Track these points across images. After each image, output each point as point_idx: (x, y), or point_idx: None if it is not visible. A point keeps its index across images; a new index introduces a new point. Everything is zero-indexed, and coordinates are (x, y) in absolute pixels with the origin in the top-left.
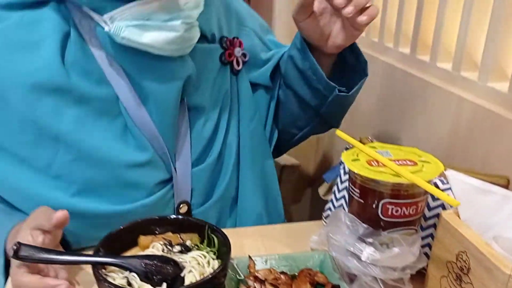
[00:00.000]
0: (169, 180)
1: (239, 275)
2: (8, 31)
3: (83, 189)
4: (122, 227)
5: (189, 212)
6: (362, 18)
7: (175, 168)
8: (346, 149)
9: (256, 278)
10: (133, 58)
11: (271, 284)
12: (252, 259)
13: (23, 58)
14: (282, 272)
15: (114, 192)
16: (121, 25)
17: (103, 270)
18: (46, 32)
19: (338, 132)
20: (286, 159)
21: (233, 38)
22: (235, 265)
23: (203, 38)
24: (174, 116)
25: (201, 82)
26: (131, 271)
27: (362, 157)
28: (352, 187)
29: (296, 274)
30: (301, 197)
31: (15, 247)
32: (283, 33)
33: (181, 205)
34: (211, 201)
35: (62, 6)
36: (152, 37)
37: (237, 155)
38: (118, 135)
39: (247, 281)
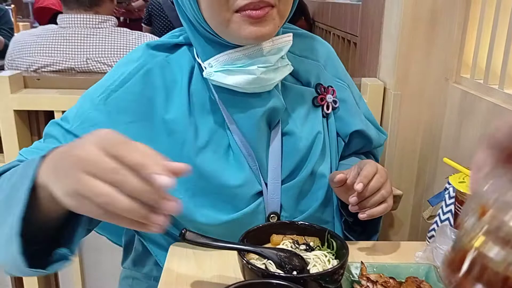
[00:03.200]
0: (261, 193)
1: (353, 277)
2: (153, 72)
3: (196, 195)
4: (260, 226)
5: None
6: (362, 215)
7: (265, 183)
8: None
9: (369, 279)
10: (225, 94)
11: (382, 285)
12: (364, 264)
13: (163, 95)
14: (391, 277)
15: (220, 201)
16: (211, 71)
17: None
18: (179, 71)
19: (446, 159)
20: None
21: (328, 86)
22: (350, 268)
23: (299, 82)
24: (264, 139)
25: (292, 113)
26: (268, 259)
27: (467, 180)
28: (459, 205)
29: (403, 281)
30: (400, 223)
31: (183, 231)
32: (388, 74)
33: (271, 215)
34: (300, 217)
35: (191, 48)
36: (234, 80)
37: (329, 186)
38: (223, 153)
39: (360, 281)
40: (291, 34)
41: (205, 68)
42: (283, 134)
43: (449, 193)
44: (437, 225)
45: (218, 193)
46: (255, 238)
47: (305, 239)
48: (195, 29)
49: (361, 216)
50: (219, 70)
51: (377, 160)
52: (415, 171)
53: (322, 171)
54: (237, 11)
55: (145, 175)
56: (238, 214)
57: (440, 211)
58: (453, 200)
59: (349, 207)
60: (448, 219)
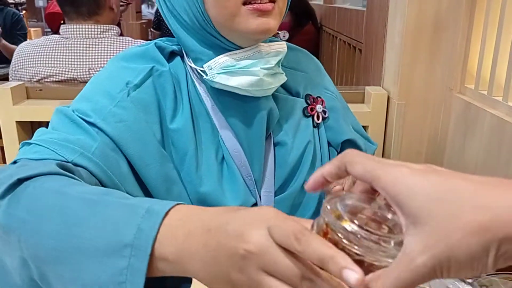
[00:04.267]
0: (255, 205)
1: None
2: (165, 76)
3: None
4: None
5: None
6: None
7: (259, 195)
8: None
9: None
10: (225, 98)
11: None
12: None
13: (172, 103)
14: None
15: None
16: (214, 73)
17: None
18: (182, 81)
19: None
20: None
21: (317, 96)
22: None
23: (289, 93)
24: (261, 147)
25: (284, 124)
26: None
27: None
28: None
29: None
30: None
31: None
32: (392, 83)
33: None
34: None
35: (183, 58)
36: (238, 81)
37: (321, 195)
38: (217, 165)
39: None
40: (284, 42)
41: (206, 71)
42: (275, 145)
43: None
44: None
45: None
46: None
47: None
48: (193, 33)
49: None
50: (221, 72)
51: None
52: None
53: None
54: (244, 4)
55: (335, 270)
56: None
57: None
58: None
59: None
60: None
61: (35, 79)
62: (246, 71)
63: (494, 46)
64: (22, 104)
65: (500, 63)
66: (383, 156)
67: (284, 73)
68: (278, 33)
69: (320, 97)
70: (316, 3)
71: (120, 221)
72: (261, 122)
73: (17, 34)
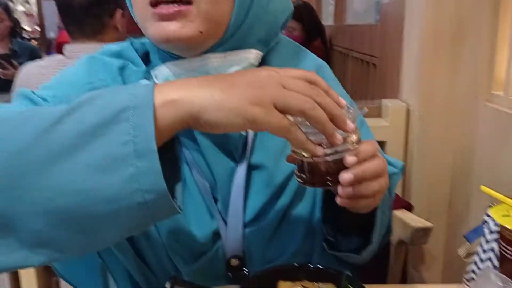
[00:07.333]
0: (217, 233)
1: None
2: (131, 82)
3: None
4: (263, 270)
5: (242, 267)
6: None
7: (225, 221)
8: (490, 206)
9: None
10: None
11: None
12: None
13: None
14: None
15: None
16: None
17: None
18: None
19: (484, 188)
20: (417, 220)
21: None
22: None
23: None
24: (222, 167)
25: (266, 143)
26: None
27: None
28: (504, 245)
29: None
30: (432, 258)
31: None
32: (411, 95)
33: (232, 260)
34: (273, 264)
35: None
36: None
37: (309, 229)
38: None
39: None
40: (257, 52)
41: (155, 77)
42: (252, 167)
43: (489, 227)
44: (476, 265)
45: (174, 234)
46: (259, 284)
47: (318, 286)
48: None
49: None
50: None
51: (391, 193)
52: (447, 201)
53: (298, 213)
54: (152, 5)
55: (333, 95)
56: (195, 265)
57: (479, 248)
58: (494, 236)
59: (336, 198)
60: (489, 259)
61: None
62: None
63: None
64: None
65: None
66: (404, 174)
67: None
68: None
69: None
70: (325, 23)
71: (109, 99)
72: (225, 136)
73: None
